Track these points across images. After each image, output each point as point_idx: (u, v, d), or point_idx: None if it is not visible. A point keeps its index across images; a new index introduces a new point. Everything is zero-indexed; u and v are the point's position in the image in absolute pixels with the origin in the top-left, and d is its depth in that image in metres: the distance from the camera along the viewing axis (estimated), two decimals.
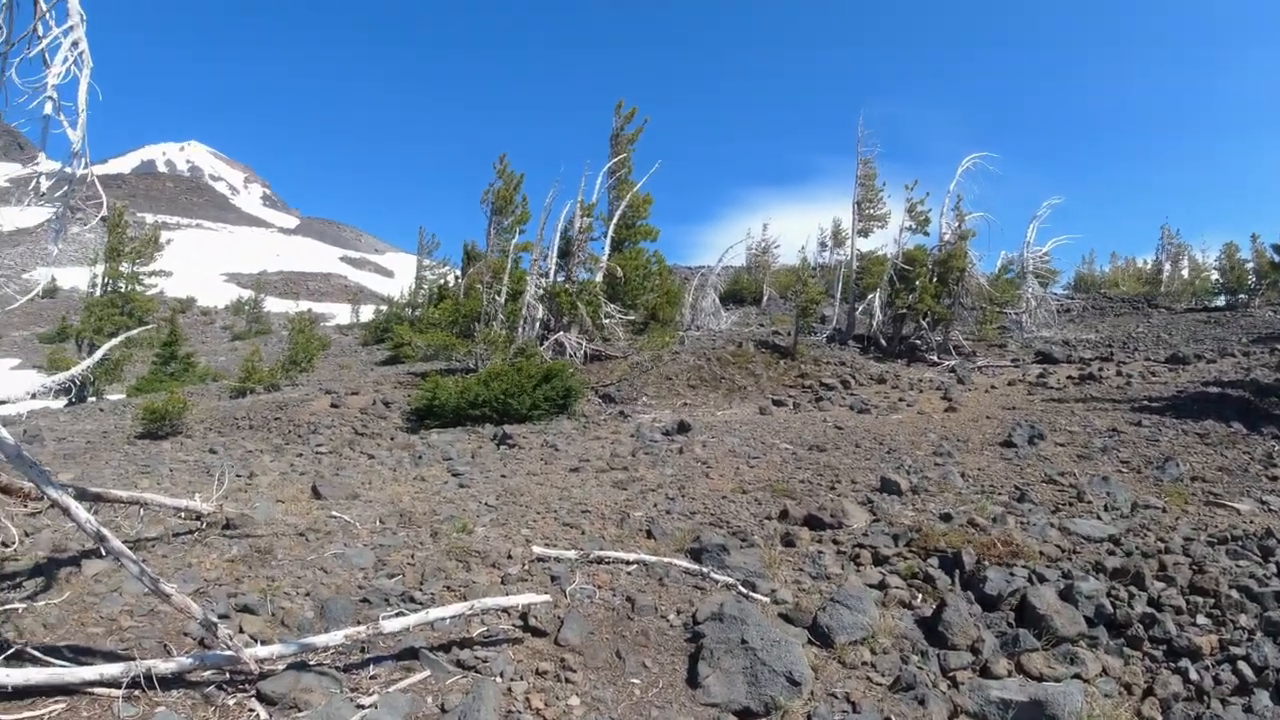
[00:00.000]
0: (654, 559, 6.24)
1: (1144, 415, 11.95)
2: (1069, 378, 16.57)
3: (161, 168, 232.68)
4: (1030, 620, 5.03)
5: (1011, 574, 5.62)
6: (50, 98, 3.70)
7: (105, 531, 4.00)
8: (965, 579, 5.78)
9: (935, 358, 21.19)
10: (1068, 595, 5.27)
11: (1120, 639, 4.94)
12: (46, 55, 3.83)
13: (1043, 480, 8.68)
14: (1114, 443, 10.30)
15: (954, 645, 4.81)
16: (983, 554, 6.06)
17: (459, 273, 33.37)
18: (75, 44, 3.82)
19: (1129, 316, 27.96)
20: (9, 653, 4.10)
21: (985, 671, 4.58)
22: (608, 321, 21.05)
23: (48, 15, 3.90)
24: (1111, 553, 6.21)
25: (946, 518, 7.20)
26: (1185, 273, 41.61)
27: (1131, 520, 7.05)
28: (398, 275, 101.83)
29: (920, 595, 5.64)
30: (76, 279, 50.56)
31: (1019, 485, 8.46)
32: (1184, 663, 4.65)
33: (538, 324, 21.07)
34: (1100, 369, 17.10)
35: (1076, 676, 4.47)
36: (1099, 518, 7.14)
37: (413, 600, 5.43)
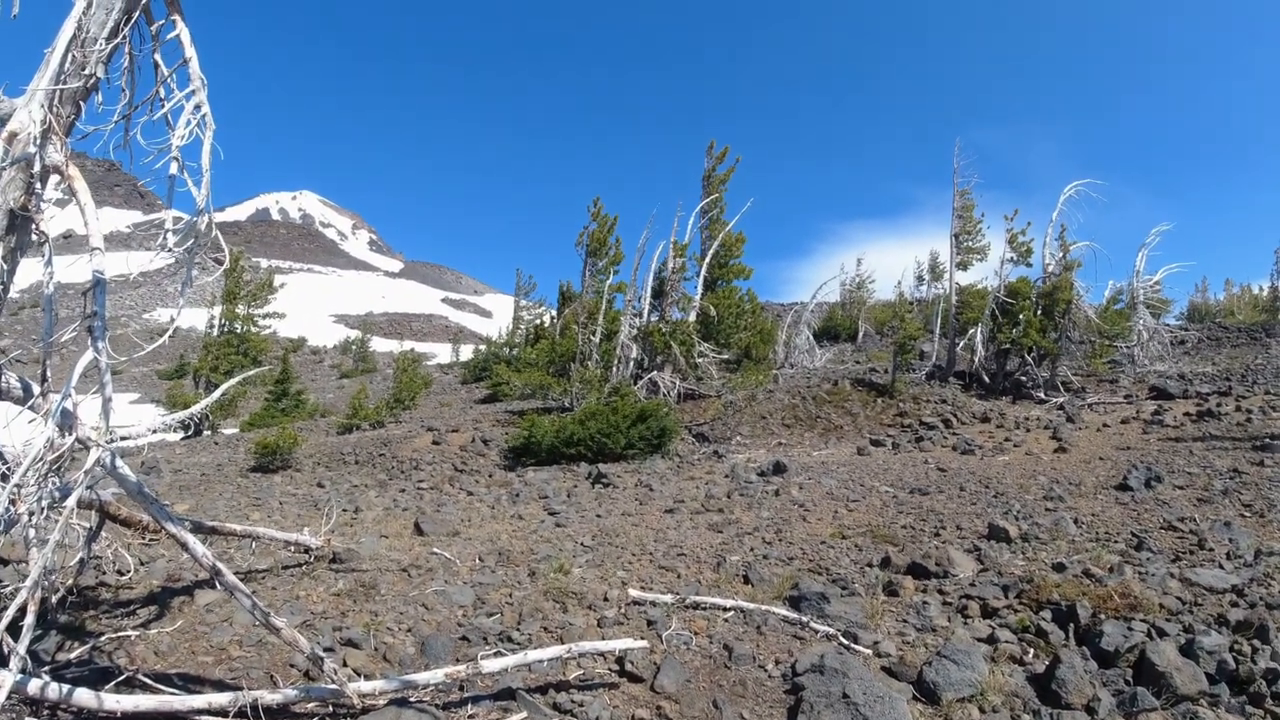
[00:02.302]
0: (752, 606, 6.18)
1: (1266, 454, 11.24)
2: (1186, 414, 15.70)
3: (275, 215, 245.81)
4: (1149, 678, 4.76)
5: (1130, 628, 5.35)
6: (175, 158, 3.87)
7: (221, 566, 4.19)
8: (1080, 633, 5.52)
9: (1042, 395, 20.36)
10: (1188, 651, 4.97)
11: (1242, 696, 4.63)
12: (169, 118, 4.02)
13: (1161, 526, 8.23)
14: (1236, 484, 9.71)
15: (1068, 704, 4.59)
16: (1099, 606, 5.78)
17: (555, 313, 33.99)
18: (198, 107, 3.99)
19: (1246, 347, 26.33)
20: (120, 679, 4.26)
21: None
22: (701, 360, 21.07)
23: (169, 80, 4.11)
24: (1235, 604, 5.84)
25: (1060, 567, 6.90)
26: None
27: (1255, 569, 6.61)
28: (496, 315, 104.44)
29: (1032, 650, 5.41)
30: (193, 319, 53.59)
31: (1136, 532, 8.04)
32: None
33: (632, 363, 21.27)
34: (1219, 404, 16.14)
35: None
36: (1221, 566, 6.73)
37: (510, 640, 5.52)
